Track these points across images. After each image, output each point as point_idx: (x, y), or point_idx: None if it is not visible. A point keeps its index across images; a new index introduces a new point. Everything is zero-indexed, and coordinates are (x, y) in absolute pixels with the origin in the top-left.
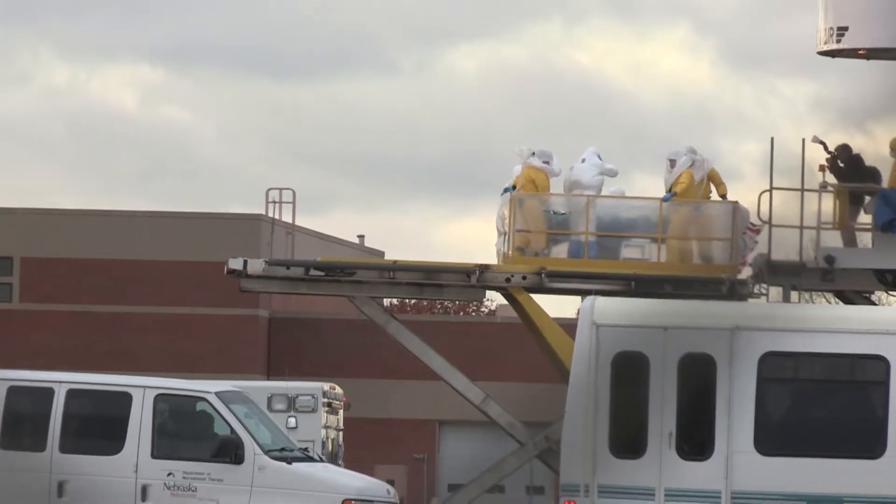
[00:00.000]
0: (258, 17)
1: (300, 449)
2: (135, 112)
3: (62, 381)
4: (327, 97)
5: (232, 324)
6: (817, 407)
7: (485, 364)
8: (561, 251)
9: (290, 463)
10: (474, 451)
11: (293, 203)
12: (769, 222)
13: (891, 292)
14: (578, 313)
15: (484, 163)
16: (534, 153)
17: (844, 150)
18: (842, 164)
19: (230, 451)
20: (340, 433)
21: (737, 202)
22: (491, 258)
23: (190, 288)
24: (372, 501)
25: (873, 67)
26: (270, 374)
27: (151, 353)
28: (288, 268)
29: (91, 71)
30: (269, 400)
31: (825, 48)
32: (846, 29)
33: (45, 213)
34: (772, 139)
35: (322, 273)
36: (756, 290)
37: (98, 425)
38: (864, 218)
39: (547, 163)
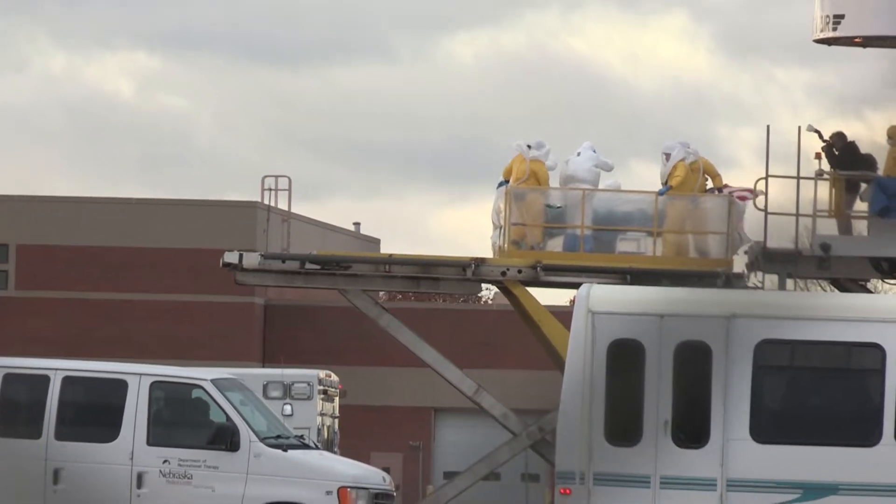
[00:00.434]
0: (255, 5)
1: (296, 436)
2: (132, 99)
3: (58, 368)
4: (324, 84)
5: (228, 311)
6: (813, 395)
7: (481, 351)
8: (556, 245)
9: (285, 450)
10: (470, 438)
11: (289, 190)
12: (765, 210)
13: (886, 280)
14: (574, 301)
15: (481, 150)
16: (529, 146)
17: (839, 137)
18: (837, 152)
19: (226, 439)
20: (336, 420)
21: (732, 196)
22: (488, 245)
23: (186, 275)
24: (367, 489)
25: (869, 55)
26: (266, 361)
27: (147, 340)
28: (284, 261)
29: (88, 58)
30: (265, 387)
31: (821, 36)
32: (842, 17)
33: (42, 200)
34: (767, 127)
35: (318, 266)
36: (752, 285)
37: (94, 412)
38: (860, 206)
39: (540, 150)
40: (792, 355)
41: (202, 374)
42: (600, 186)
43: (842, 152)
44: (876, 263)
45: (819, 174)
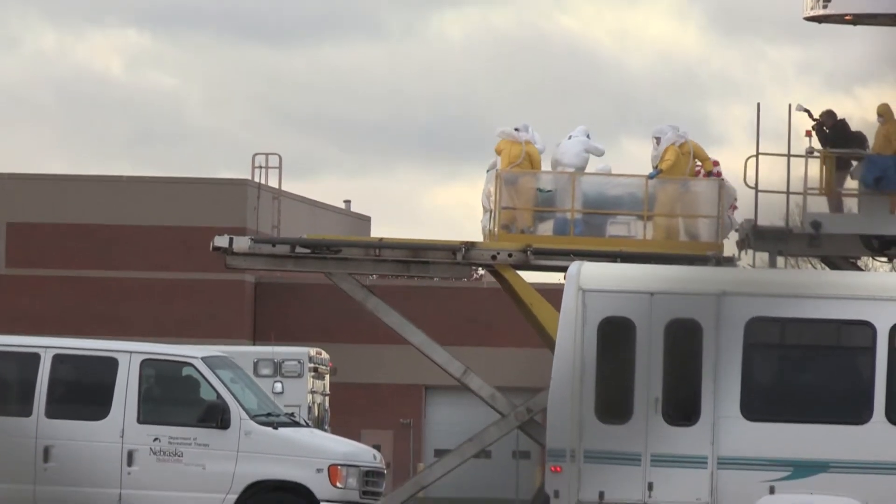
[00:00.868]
0: None
1: (286, 414)
2: (122, 77)
3: (48, 346)
4: (314, 62)
5: (218, 289)
6: (804, 372)
7: (473, 329)
8: (547, 228)
9: (276, 428)
10: (461, 416)
11: (279, 168)
12: (755, 188)
13: (877, 258)
14: (565, 279)
15: (471, 128)
16: (517, 129)
17: (829, 115)
18: (827, 130)
19: (216, 417)
20: (326, 398)
21: (723, 179)
22: (478, 224)
23: (176, 253)
24: (358, 466)
25: (860, 33)
26: (256, 339)
27: (137, 318)
28: (274, 245)
29: (78, 36)
30: (255, 365)
31: (812, 14)
32: None
33: (32, 177)
34: (758, 105)
35: (308, 250)
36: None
37: (84, 390)
38: (851, 183)
39: (528, 133)
40: (782, 333)
41: (193, 352)
42: (591, 170)
43: (832, 130)
44: (867, 241)
45: (810, 152)
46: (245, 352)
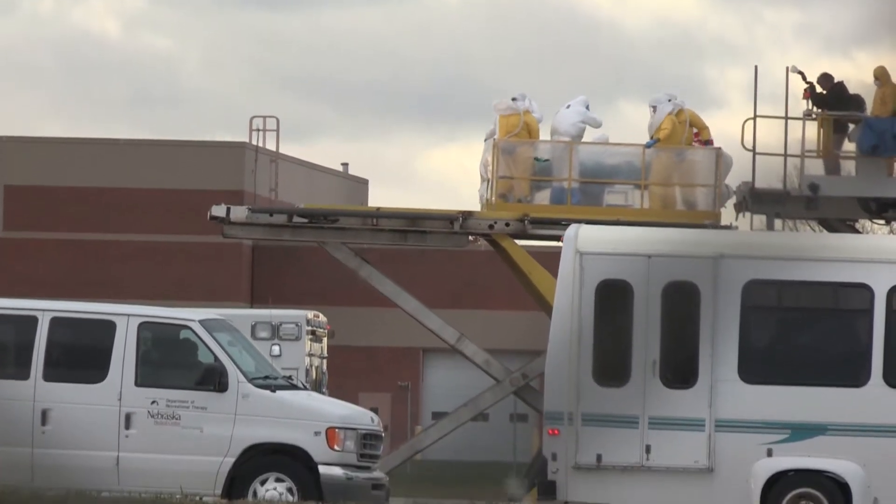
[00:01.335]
0: None
1: (284, 377)
2: (119, 39)
3: (46, 309)
4: (312, 25)
5: (216, 252)
6: (801, 335)
7: (470, 292)
8: (544, 198)
9: (273, 391)
10: (459, 378)
11: (277, 131)
12: (753, 150)
13: (875, 220)
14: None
15: (469, 91)
16: (514, 98)
17: (826, 79)
18: (824, 92)
19: (214, 379)
20: (324, 361)
21: (720, 148)
22: (475, 184)
23: (174, 216)
24: (356, 429)
25: None
26: (254, 302)
27: (135, 281)
28: (271, 214)
29: None
30: (253, 328)
31: None
32: None
33: (30, 140)
34: (755, 67)
35: (305, 220)
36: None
37: (82, 353)
38: (849, 146)
39: (525, 101)
40: (780, 296)
41: (190, 315)
42: (588, 139)
43: (830, 93)
44: (864, 203)
45: (807, 114)
46: (243, 315)
